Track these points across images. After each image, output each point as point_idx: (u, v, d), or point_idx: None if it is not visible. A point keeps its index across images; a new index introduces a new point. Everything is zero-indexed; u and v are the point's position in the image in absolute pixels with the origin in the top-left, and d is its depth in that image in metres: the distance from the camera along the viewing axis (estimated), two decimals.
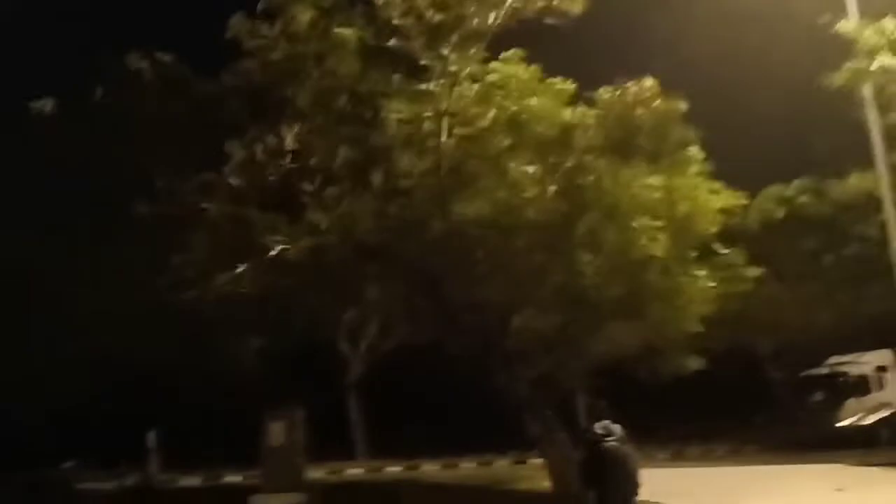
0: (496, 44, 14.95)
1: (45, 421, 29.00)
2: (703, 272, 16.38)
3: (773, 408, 28.93)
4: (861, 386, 26.07)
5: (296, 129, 13.93)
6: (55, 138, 11.78)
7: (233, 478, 23.95)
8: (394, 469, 25.36)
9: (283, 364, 23.42)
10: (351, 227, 13.69)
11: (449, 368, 17.89)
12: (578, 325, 15.92)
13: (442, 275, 14.57)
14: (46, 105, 12.07)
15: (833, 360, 27.20)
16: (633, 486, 9.01)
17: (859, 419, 21.87)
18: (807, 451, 22.17)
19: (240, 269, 14.42)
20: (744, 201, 17.64)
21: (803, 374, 28.10)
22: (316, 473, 21.76)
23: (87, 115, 12.35)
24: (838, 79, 14.46)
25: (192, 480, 24.43)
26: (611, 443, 8.97)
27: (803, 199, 27.63)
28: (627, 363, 18.10)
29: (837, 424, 23.43)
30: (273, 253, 13.53)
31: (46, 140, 11.61)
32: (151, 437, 24.37)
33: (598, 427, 9.08)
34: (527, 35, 15.00)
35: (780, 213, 27.55)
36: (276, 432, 17.12)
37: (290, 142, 14.09)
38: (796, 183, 28.22)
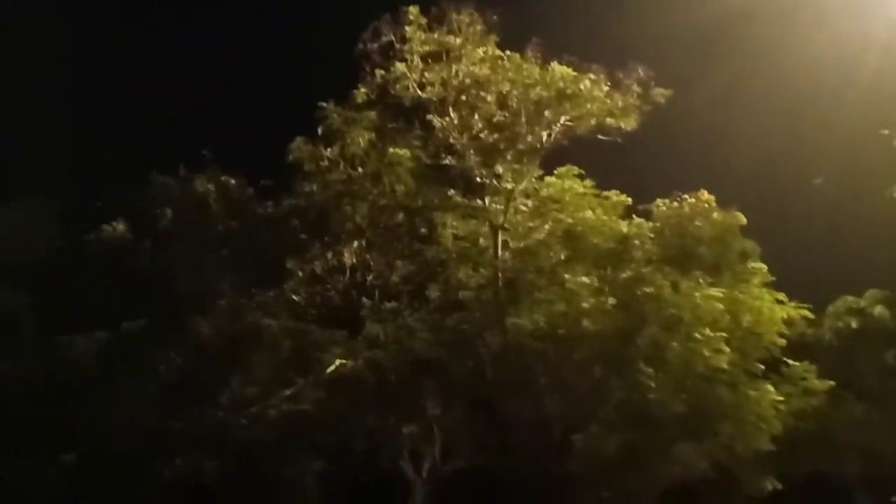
0: (551, 159, 15.22)
1: None
2: (771, 387, 15.72)
3: None
4: None
5: (354, 245, 14.22)
6: (123, 257, 12.25)
7: None
8: None
9: (343, 487, 22.87)
10: (408, 340, 13.69)
11: (512, 493, 17.18)
12: (644, 445, 15.30)
13: (500, 390, 14.32)
14: (117, 228, 12.62)
15: None
16: None
17: None
18: None
19: (299, 386, 14.46)
20: (808, 313, 17.07)
21: None
22: None
23: (154, 237, 12.86)
24: None
25: None
26: None
27: (878, 309, 26.60)
28: (699, 486, 17.21)
29: None
30: (332, 367, 13.54)
31: (114, 259, 12.07)
32: None
33: None
34: (581, 150, 15.25)
35: (855, 323, 26.53)
36: None
37: (348, 258, 14.38)
38: (868, 293, 27.30)
